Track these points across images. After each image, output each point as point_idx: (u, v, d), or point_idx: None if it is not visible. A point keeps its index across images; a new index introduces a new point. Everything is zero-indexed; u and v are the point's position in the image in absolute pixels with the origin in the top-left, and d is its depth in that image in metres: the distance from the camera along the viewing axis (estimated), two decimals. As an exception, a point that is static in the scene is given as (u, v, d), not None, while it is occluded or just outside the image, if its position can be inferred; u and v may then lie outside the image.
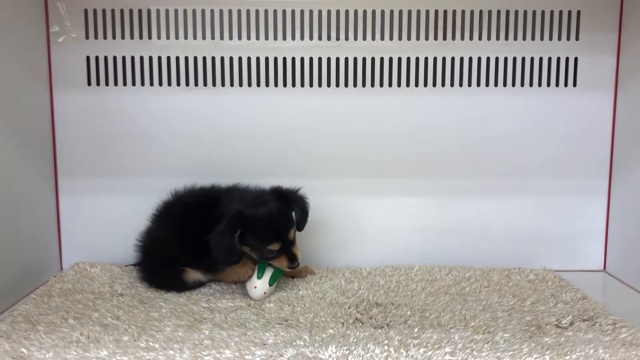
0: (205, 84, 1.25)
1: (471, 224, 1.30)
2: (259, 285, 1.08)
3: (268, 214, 1.06)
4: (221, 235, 1.04)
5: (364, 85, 1.26)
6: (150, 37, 1.24)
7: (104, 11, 1.23)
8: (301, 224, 1.14)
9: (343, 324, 0.96)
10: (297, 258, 1.09)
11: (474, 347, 0.87)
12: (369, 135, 1.27)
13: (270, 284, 1.08)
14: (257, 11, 1.23)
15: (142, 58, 1.24)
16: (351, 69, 1.25)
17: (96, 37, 1.24)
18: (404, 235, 1.31)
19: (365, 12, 1.24)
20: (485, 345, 0.88)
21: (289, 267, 1.08)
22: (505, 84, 1.26)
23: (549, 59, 1.25)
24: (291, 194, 1.13)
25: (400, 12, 1.24)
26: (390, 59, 1.25)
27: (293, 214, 1.12)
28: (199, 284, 1.14)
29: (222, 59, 1.25)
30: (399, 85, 1.26)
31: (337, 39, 1.25)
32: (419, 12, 1.24)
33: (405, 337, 0.90)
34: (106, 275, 1.19)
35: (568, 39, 1.25)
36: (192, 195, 1.18)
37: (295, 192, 1.14)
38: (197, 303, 1.06)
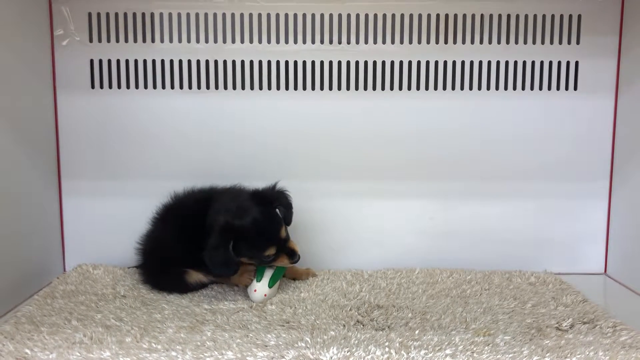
0: (208, 87, 1.26)
1: (472, 226, 1.31)
2: (258, 288, 1.08)
3: (255, 222, 1.05)
4: (215, 249, 1.03)
5: (365, 88, 1.26)
6: (153, 41, 1.25)
7: (107, 15, 1.24)
8: (287, 218, 1.13)
9: (344, 326, 0.97)
10: (296, 252, 1.10)
11: (475, 349, 0.88)
12: (371, 138, 1.28)
13: (270, 286, 1.09)
14: (259, 15, 1.24)
15: (145, 61, 1.25)
16: (353, 73, 1.26)
17: (100, 40, 1.24)
18: (405, 238, 1.31)
19: (367, 15, 1.24)
20: (486, 347, 0.88)
21: (291, 263, 1.10)
22: (506, 88, 1.26)
23: (550, 63, 1.26)
24: (270, 192, 1.12)
25: (402, 16, 1.24)
26: (392, 63, 1.26)
27: (278, 211, 1.12)
28: (201, 286, 1.14)
29: (225, 62, 1.26)
30: (400, 88, 1.26)
31: (340, 42, 1.25)
32: (420, 16, 1.24)
33: (406, 339, 0.91)
34: (109, 277, 1.20)
35: (569, 42, 1.25)
36: (192, 196, 1.18)
37: (274, 190, 1.13)
38: (199, 305, 1.06)
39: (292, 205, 1.14)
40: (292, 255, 1.10)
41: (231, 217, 1.05)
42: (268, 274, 1.10)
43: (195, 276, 1.13)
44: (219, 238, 1.03)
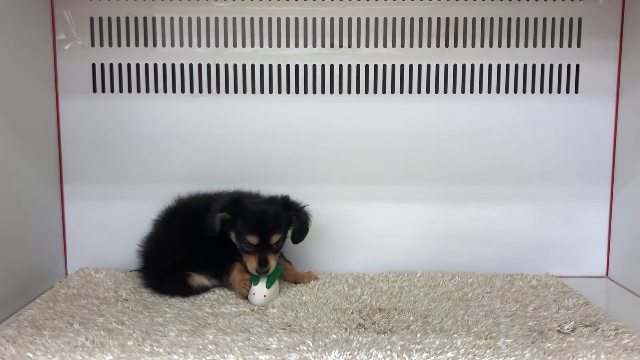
0: (209, 91, 1.26)
1: (474, 230, 1.31)
2: (257, 290, 1.08)
3: (261, 209, 1.11)
4: (212, 209, 1.10)
5: (366, 92, 1.27)
6: (155, 45, 1.25)
7: (109, 19, 1.24)
8: (297, 236, 1.16)
9: (346, 329, 0.97)
10: (268, 264, 1.09)
11: (477, 352, 0.87)
12: (372, 141, 1.28)
13: (268, 286, 1.09)
14: (260, 19, 1.25)
15: (147, 65, 1.26)
16: (355, 76, 1.26)
17: (102, 44, 1.25)
18: (406, 241, 1.31)
19: (368, 19, 1.25)
20: (488, 350, 0.88)
21: (257, 270, 1.09)
22: (507, 91, 1.27)
23: (551, 66, 1.26)
24: (295, 205, 1.16)
25: (403, 19, 1.25)
26: (393, 66, 1.26)
27: (291, 227, 1.14)
28: (203, 289, 1.14)
29: (227, 66, 1.26)
30: (401, 92, 1.27)
31: (341, 46, 1.26)
32: (421, 19, 1.25)
33: (408, 342, 0.90)
34: (111, 281, 1.20)
35: (570, 46, 1.26)
36: (197, 200, 1.19)
37: (300, 205, 1.16)
38: (201, 308, 1.06)
39: (307, 228, 1.16)
40: (262, 263, 1.09)
41: (246, 198, 1.13)
42: (264, 278, 1.10)
43: (197, 279, 1.14)
44: (220, 203, 1.11)
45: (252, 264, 1.10)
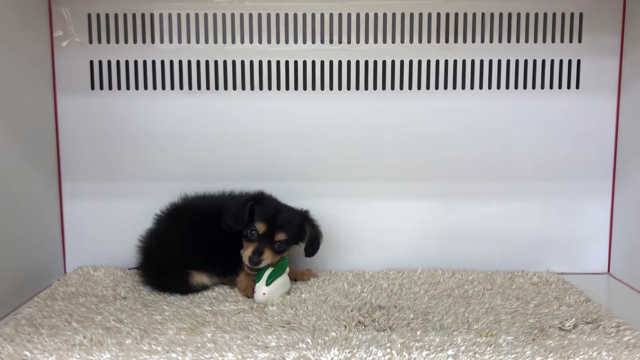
0: (208, 88, 1.26)
1: (474, 227, 1.30)
2: (257, 287, 1.09)
3: (279, 206, 1.15)
4: (236, 202, 1.13)
5: (366, 88, 1.26)
6: (153, 42, 1.24)
7: (107, 16, 1.23)
8: (310, 249, 1.18)
9: (345, 326, 0.96)
10: (261, 255, 1.09)
11: (477, 350, 0.87)
12: (372, 138, 1.28)
13: (268, 284, 1.08)
14: (259, 15, 1.24)
15: (145, 62, 1.25)
16: (354, 73, 1.26)
17: (99, 41, 1.24)
18: (407, 239, 1.31)
19: (367, 15, 1.24)
20: (488, 348, 0.88)
21: (249, 259, 1.09)
22: (507, 87, 1.26)
23: (552, 62, 1.25)
24: (312, 219, 1.18)
25: (403, 15, 1.24)
26: (393, 62, 1.25)
27: (301, 241, 1.17)
28: (202, 288, 1.14)
29: (225, 62, 1.25)
30: (401, 88, 1.26)
31: (340, 42, 1.25)
32: (421, 15, 1.24)
33: (408, 340, 0.90)
34: (109, 279, 1.20)
35: (571, 41, 1.25)
36: (204, 200, 1.20)
37: (316, 222, 1.19)
38: (200, 306, 1.06)
39: (318, 243, 1.18)
40: (257, 252, 1.09)
41: (267, 195, 1.18)
42: (266, 274, 1.10)
43: (198, 278, 1.14)
44: (245, 198, 1.14)
45: (247, 251, 1.10)
